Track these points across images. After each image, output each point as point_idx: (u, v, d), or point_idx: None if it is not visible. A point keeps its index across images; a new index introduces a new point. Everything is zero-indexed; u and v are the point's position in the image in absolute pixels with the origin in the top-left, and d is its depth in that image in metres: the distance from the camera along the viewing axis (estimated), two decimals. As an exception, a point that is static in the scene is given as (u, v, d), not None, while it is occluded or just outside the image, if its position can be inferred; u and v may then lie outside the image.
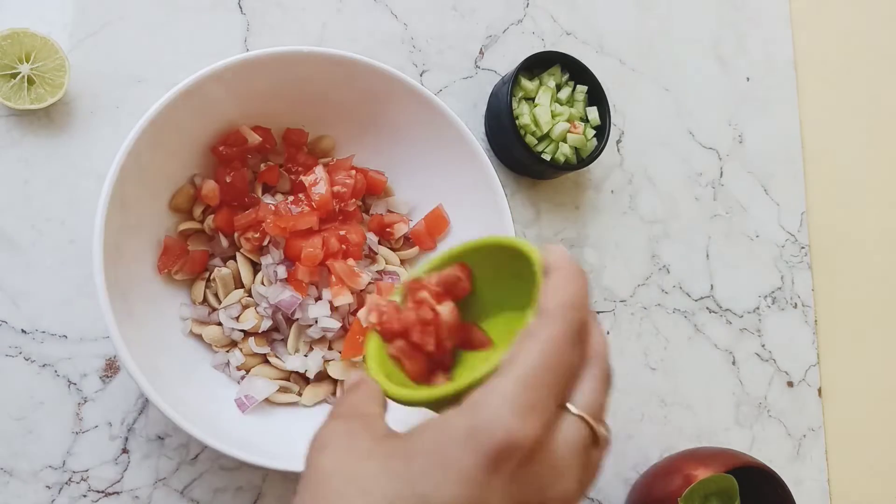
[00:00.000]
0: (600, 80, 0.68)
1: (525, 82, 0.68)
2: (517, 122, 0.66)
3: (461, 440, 0.28)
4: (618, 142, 0.74)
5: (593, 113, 0.69)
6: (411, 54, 0.70)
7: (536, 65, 0.68)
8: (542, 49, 0.73)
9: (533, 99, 0.68)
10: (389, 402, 0.35)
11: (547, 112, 0.66)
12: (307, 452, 0.32)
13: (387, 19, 0.70)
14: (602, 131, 0.68)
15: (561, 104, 0.68)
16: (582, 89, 0.69)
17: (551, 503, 0.29)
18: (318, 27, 0.68)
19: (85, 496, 0.55)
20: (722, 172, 0.77)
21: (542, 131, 0.66)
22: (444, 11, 0.72)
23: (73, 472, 0.55)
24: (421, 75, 0.70)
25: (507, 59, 0.72)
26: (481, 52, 0.72)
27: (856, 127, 0.83)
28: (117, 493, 0.56)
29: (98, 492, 0.56)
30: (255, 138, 0.58)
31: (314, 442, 0.32)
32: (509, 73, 0.67)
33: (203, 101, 0.54)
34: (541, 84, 0.68)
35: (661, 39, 0.78)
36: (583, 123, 0.68)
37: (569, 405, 0.30)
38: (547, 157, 0.67)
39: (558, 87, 0.69)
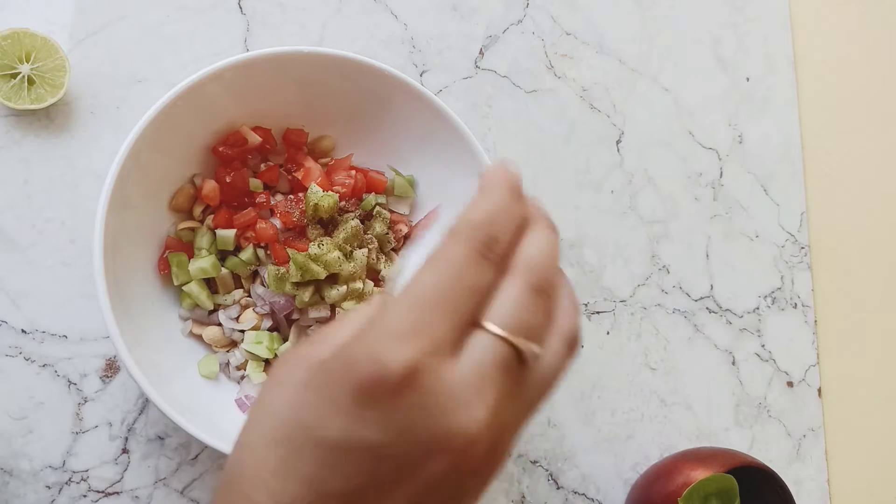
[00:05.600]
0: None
1: None
2: None
3: (340, 372, 0.27)
4: (618, 142, 0.74)
5: None
6: (411, 54, 0.70)
7: None
8: (541, 49, 0.73)
9: None
10: None
11: None
12: None
13: (387, 19, 0.70)
14: None
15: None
16: None
17: (452, 432, 0.26)
18: (318, 27, 0.68)
19: (85, 496, 0.55)
20: (722, 172, 0.77)
21: None
22: (444, 11, 0.72)
23: (73, 472, 0.55)
24: (421, 75, 0.70)
25: (507, 59, 0.72)
26: (481, 53, 0.72)
27: (856, 127, 0.83)
28: (117, 493, 0.56)
29: (98, 492, 0.56)
30: (255, 138, 0.58)
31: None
32: None
33: (203, 101, 0.54)
34: None
35: (661, 39, 0.78)
36: None
37: (485, 323, 0.28)
38: None
39: None
